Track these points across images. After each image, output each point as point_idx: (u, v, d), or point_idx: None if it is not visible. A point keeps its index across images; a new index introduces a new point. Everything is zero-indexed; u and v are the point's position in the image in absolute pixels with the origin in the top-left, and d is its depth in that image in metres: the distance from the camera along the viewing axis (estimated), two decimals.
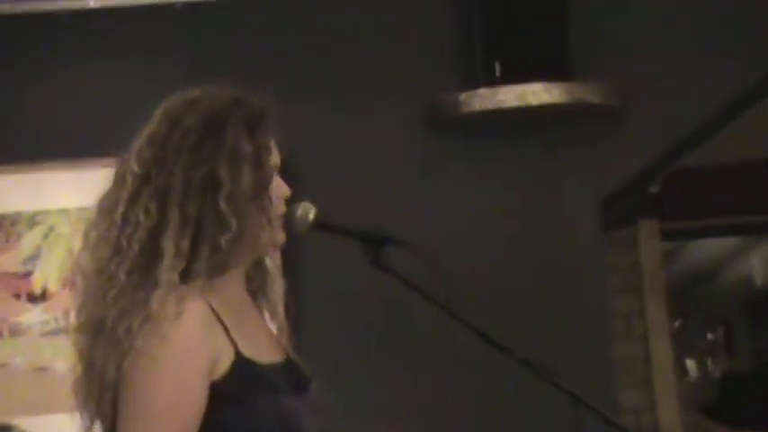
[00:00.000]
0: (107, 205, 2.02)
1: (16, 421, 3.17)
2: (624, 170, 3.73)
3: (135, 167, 2.00)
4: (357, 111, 3.75)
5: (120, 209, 1.98)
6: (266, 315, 2.19)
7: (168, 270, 1.93)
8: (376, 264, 2.14)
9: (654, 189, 4.65)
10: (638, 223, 4.66)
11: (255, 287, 2.16)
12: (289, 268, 3.40)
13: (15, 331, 3.57)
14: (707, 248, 7.16)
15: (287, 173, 3.51)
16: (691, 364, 8.25)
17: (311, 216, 2.15)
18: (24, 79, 3.72)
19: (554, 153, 3.75)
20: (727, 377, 3.76)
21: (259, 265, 2.15)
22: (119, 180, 2.02)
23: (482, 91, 3.57)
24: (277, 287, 2.21)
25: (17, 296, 3.58)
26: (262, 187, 2.03)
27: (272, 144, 2.10)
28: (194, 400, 1.91)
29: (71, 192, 3.54)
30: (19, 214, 3.61)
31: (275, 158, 2.11)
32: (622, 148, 3.75)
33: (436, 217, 3.72)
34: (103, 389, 1.94)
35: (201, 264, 1.96)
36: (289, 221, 2.14)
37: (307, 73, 3.75)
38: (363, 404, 3.41)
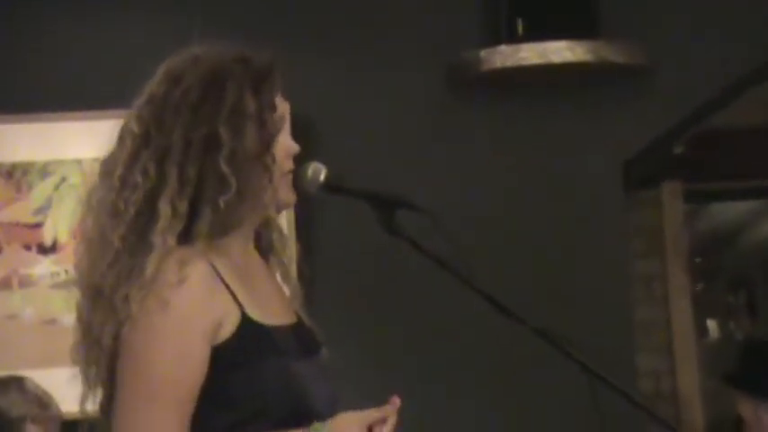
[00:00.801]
0: (107, 168, 1.97)
1: (26, 373, 3.13)
2: (648, 132, 3.66)
3: (134, 128, 1.94)
4: (375, 68, 3.68)
5: (119, 171, 1.93)
6: (278, 276, 2.13)
7: (163, 232, 1.88)
8: (388, 228, 2.08)
9: (678, 150, 4.58)
10: (661, 185, 4.60)
11: (266, 247, 2.10)
12: (300, 229, 3.44)
13: (25, 282, 3.53)
14: (731, 210, 7.08)
15: (301, 131, 3.51)
16: (712, 324, 8.20)
17: (321, 177, 2.08)
18: (41, 26, 3.65)
19: (577, 113, 3.68)
20: (749, 344, 3.69)
21: (269, 225, 2.09)
22: (119, 140, 1.96)
23: (503, 48, 3.48)
24: (289, 247, 2.15)
25: (27, 247, 3.54)
26: (265, 146, 1.97)
27: (279, 101, 2.02)
28: (195, 366, 1.86)
29: (84, 142, 3.48)
30: (31, 164, 3.56)
31: (281, 115, 2.04)
32: (647, 110, 3.67)
33: (455, 177, 3.66)
34: (101, 355, 1.89)
35: (202, 225, 1.91)
36: (298, 182, 2.08)
37: (323, 28, 3.68)
38: (373, 369, 3.37)
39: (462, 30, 3.65)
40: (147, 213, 1.89)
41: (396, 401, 1.92)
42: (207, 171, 1.90)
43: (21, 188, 3.55)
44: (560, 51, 3.44)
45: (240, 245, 2.01)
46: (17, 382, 2.92)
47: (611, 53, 3.47)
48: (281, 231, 2.13)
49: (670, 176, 4.58)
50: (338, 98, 3.65)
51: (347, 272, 3.62)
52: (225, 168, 1.90)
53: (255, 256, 2.08)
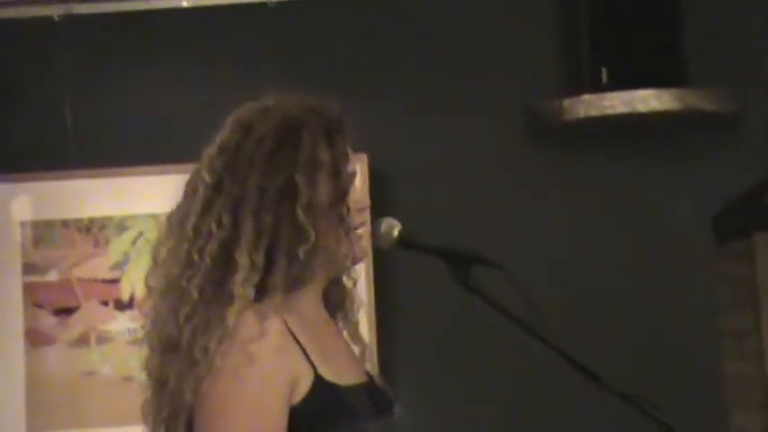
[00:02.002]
0: (177, 219, 1.94)
1: (104, 431, 3.11)
2: (738, 181, 3.52)
3: (206, 177, 1.91)
4: (449, 118, 3.61)
5: (192, 220, 1.90)
6: (346, 335, 2.09)
7: (243, 284, 1.84)
8: (464, 285, 2.03)
9: None
10: (753, 236, 4.45)
11: (334, 305, 2.07)
12: (379, 286, 3.37)
13: (103, 339, 3.52)
14: None
15: (375, 184, 3.47)
16: None
17: (395, 233, 2.05)
18: (113, 82, 3.66)
19: (663, 163, 3.57)
20: None
21: (337, 282, 2.05)
22: (189, 192, 1.94)
23: (587, 97, 3.39)
24: (357, 306, 2.10)
25: (105, 303, 3.53)
26: (340, 197, 1.95)
27: (350, 153, 2.00)
28: (277, 426, 1.81)
29: (160, 196, 3.44)
30: (108, 219, 3.55)
31: (354, 170, 2.02)
32: (736, 159, 3.55)
33: (536, 232, 3.57)
34: (177, 411, 1.84)
35: (278, 277, 1.87)
36: (372, 237, 2.05)
37: (395, 77, 3.62)
38: (449, 428, 3.28)
39: (543, 78, 3.57)
40: (223, 264, 1.86)
41: None
42: (283, 220, 1.88)
43: (98, 243, 3.54)
44: (647, 100, 3.34)
45: (311, 301, 1.97)
46: None
47: (699, 101, 3.36)
48: (347, 288, 2.08)
49: (762, 227, 4.44)
50: (413, 149, 3.60)
51: (425, 328, 3.54)
52: (302, 218, 1.88)
53: (324, 313, 2.04)
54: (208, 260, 1.86)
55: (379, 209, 3.40)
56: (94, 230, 3.54)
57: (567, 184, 3.59)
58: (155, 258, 1.96)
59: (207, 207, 1.89)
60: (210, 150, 1.94)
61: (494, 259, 2.07)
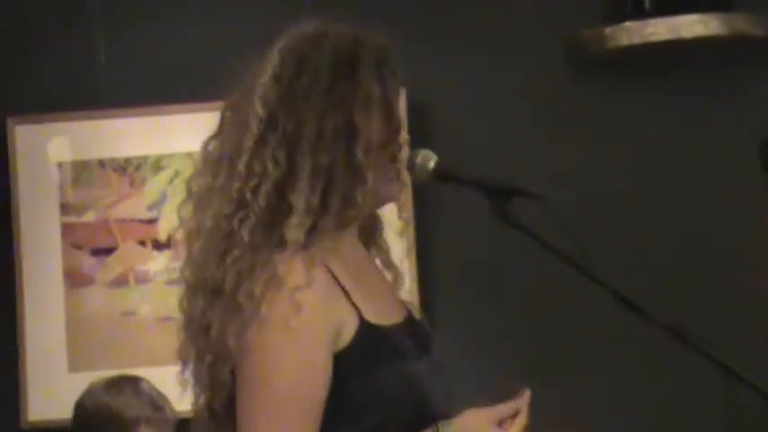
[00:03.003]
0: (224, 153, 1.86)
1: (143, 371, 3.09)
2: None
3: (259, 110, 1.83)
4: (489, 50, 3.52)
5: (245, 157, 1.82)
6: (379, 263, 2.03)
7: (296, 228, 1.78)
8: (503, 218, 1.97)
9: None
10: None
11: (366, 236, 2.00)
12: (418, 219, 3.33)
13: (142, 279, 3.49)
14: None
15: (416, 117, 3.41)
16: None
17: (431, 165, 1.99)
18: (145, 19, 3.60)
19: (711, 92, 3.47)
20: None
21: (371, 214, 1.99)
22: (238, 124, 1.85)
23: (629, 24, 3.29)
24: (387, 235, 2.04)
25: (143, 243, 3.49)
26: (393, 135, 1.88)
27: (399, 85, 1.94)
28: (321, 376, 1.77)
29: (195, 135, 3.40)
30: (144, 158, 3.51)
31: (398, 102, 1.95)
32: None
33: (579, 164, 3.49)
34: (221, 358, 1.79)
35: (330, 220, 1.81)
36: (408, 169, 1.99)
37: (433, 8, 3.53)
38: (489, 363, 3.24)
39: (583, 5, 3.47)
40: (277, 205, 1.80)
41: (526, 394, 1.84)
42: (340, 161, 1.81)
43: (134, 183, 3.51)
44: (692, 26, 3.24)
45: (351, 238, 1.92)
46: (132, 383, 2.88)
47: (747, 25, 3.26)
48: (379, 218, 2.02)
49: None
50: (452, 81, 3.51)
51: (465, 261, 3.49)
52: (361, 159, 1.81)
53: (362, 249, 1.99)
54: (262, 201, 1.80)
55: (418, 144, 3.38)
56: (130, 170, 3.51)
57: (611, 114, 3.51)
58: (191, 192, 1.89)
59: (261, 143, 1.82)
60: (263, 80, 1.85)
61: (533, 189, 1.99)
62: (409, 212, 3.28)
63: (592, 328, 3.39)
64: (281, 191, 1.80)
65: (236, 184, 1.81)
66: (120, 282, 3.49)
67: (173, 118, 3.50)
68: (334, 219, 1.82)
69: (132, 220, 3.51)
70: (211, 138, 1.93)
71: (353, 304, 1.81)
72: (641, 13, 3.30)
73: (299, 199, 1.78)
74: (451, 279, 3.48)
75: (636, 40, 3.29)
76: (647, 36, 3.27)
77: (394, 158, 1.89)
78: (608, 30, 3.32)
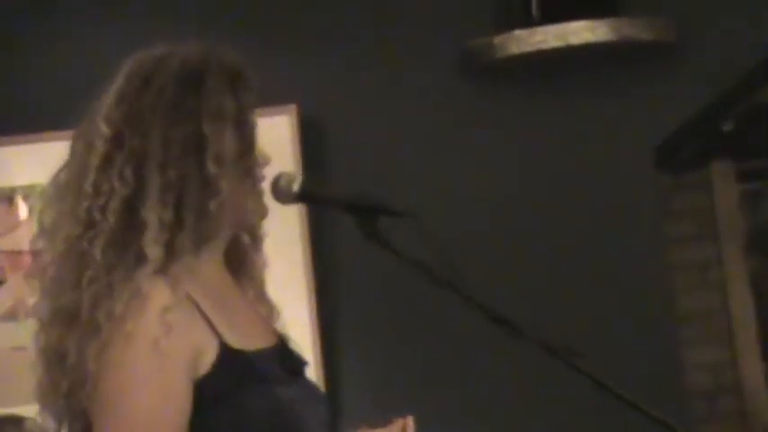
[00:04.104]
0: (72, 177, 1.82)
1: (34, 408, 3.00)
2: (679, 112, 3.42)
3: (104, 129, 1.78)
4: (381, 63, 3.49)
5: (91, 177, 1.77)
6: (251, 295, 1.99)
7: (154, 244, 1.73)
8: (370, 237, 1.93)
9: (727, 127, 4.32)
10: (710, 165, 4.34)
11: (237, 266, 1.95)
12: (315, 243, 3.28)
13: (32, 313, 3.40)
14: None
15: (310, 132, 3.36)
16: None
17: (295, 186, 1.95)
18: (29, 46, 3.53)
19: (602, 96, 3.46)
20: None
21: (237, 241, 1.94)
22: (83, 147, 1.82)
23: (518, 33, 3.26)
24: (260, 264, 2.00)
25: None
26: (247, 149, 1.84)
27: (254, 103, 1.89)
28: (183, 404, 1.72)
29: None
30: (32, 187, 3.41)
31: (255, 120, 1.90)
32: (676, 88, 3.44)
33: (475, 170, 3.47)
34: (76, 384, 1.73)
35: (187, 235, 1.76)
36: (272, 192, 1.95)
37: (324, 23, 3.49)
38: (384, 386, 3.21)
39: (475, 15, 3.44)
40: (128, 222, 1.75)
41: (409, 422, 1.84)
42: (191, 174, 1.77)
43: (23, 213, 3.42)
44: (579, 32, 3.22)
45: (214, 264, 1.87)
46: (16, 424, 2.80)
47: (634, 30, 3.24)
48: (248, 246, 1.97)
49: (719, 156, 4.33)
50: (345, 96, 3.48)
51: (364, 287, 3.44)
52: (212, 170, 1.77)
53: (227, 276, 1.93)
54: (111, 219, 1.75)
55: (312, 159, 3.34)
56: (18, 200, 3.43)
57: (505, 122, 3.49)
58: (41, 223, 1.84)
59: (107, 162, 1.77)
60: (105, 101, 1.82)
61: (400, 208, 1.95)
62: (305, 240, 3.26)
63: (485, 348, 3.34)
64: (132, 208, 1.75)
65: (84, 204, 1.77)
66: (10, 316, 3.42)
67: (61, 145, 3.40)
68: (191, 234, 1.77)
69: (21, 252, 3.42)
70: (61, 168, 1.88)
71: (214, 329, 1.77)
72: (529, 22, 3.27)
73: (152, 214, 1.74)
74: (351, 305, 3.43)
75: (525, 48, 3.26)
76: (536, 44, 3.25)
77: (249, 173, 1.85)
78: (497, 39, 3.29)
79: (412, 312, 3.28)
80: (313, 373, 3.14)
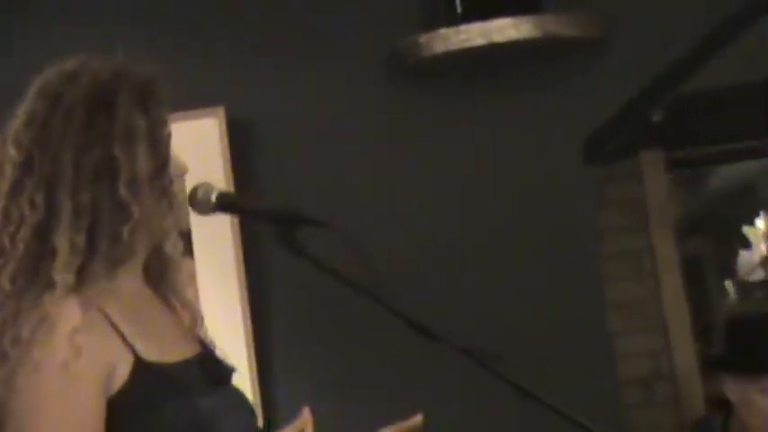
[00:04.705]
0: None
1: None
2: (606, 104, 3.43)
3: (14, 154, 1.76)
4: (308, 62, 3.47)
5: (1, 204, 1.75)
6: (175, 304, 1.97)
7: (63, 270, 1.71)
8: (289, 247, 1.91)
9: (656, 117, 4.36)
10: (639, 155, 4.38)
11: (157, 277, 1.94)
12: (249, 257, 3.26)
13: None
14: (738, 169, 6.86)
15: (239, 135, 3.35)
16: (729, 284, 8.05)
17: (213, 197, 1.93)
18: None
19: (530, 92, 3.47)
20: (731, 322, 3.49)
21: (158, 251, 1.93)
22: None
23: (443, 31, 3.27)
24: (182, 273, 1.99)
25: None
26: (161, 166, 1.82)
27: (167, 117, 1.87)
28: (96, 426, 1.70)
29: None
30: None
31: (170, 133, 1.88)
32: (604, 83, 3.45)
33: (405, 171, 3.47)
34: None
35: (100, 260, 1.74)
36: (190, 203, 1.93)
37: (250, 25, 3.48)
38: (298, 387, 3.21)
39: (400, 14, 3.44)
40: (39, 249, 1.72)
41: (306, 411, 1.85)
42: (103, 198, 1.74)
43: None
44: (503, 29, 3.23)
45: (131, 277, 1.85)
46: None
47: (557, 27, 3.25)
48: (170, 256, 1.96)
49: (648, 146, 4.37)
50: (273, 99, 3.46)
51: (300, 302, 3.42)
52: (125, 195, 1.75)
53: (146, 288, 1.92)
54: (21, 246, 1.73)
55: (241, 162, 3.33)
56: None
57: (433, 121, 3.49)
58: None
59: (17, 188, 1.75)
60: (15, 124, 1.78)
61: (318, 217, 1.95)
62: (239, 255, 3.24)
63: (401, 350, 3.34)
64: (43, 234, 1.73)
65: None
66: None
67: None
68: (104, 260, 1.75)
69: None
70: None
71: (129, 345, 1.75)
72: (454, 20, 3.28)
73: (63, 241, 1.72)
74: (285, 321, 3.42)
75: (451, 46, 3.27)
76: (461, 42, 3.25)
77: (164, 191, 1.82)
78: (423, 38, 3.29)
79: (343, 319, 3.27)
80: (246, 380, 3.16)
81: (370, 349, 3.35)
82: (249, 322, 3.26)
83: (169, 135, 1.87)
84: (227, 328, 3.22)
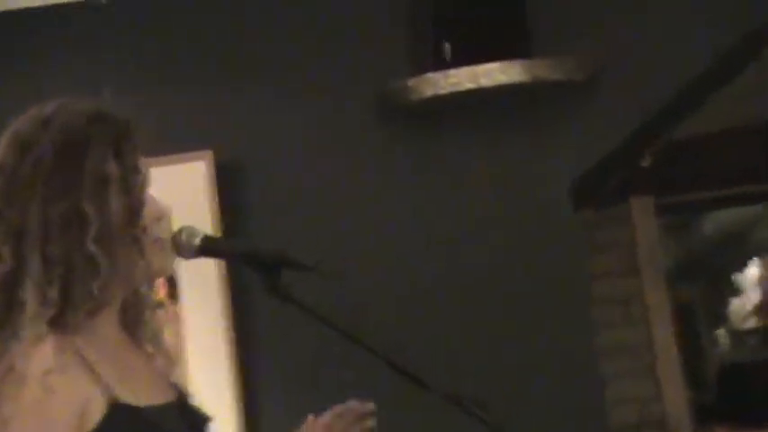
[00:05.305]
0: None
1: None
2: (595, 148, 3.43)
3: None
4: (297, 105, 3.47)
5: None
6: (149, 349, 1.94)
7: (31, 324, 1.67)
8: (273, 292, 1.91)
9: (645, 163, 4.36)
10: (629, 200, 4.37)
11: (133, 322, 1.91)
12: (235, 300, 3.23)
13: None
14: (729, 215, 6.86)
15: (228, 177, 3.33)
16: (721, 332, 8.01)
17: (197, 241, 1.92)
18: None
19: (517, 137, 3.46)
20: (721, 370, 3.47)
21: (135, 296, 1.90)
22: None
23: (431, 75, 3.26)
24: (158, 319, 1.96)
25: None
26: (133, 216, 1.78)
27: (142, 162, 1.83)
28: None
29: None
30: None
31: (146, 178, 1.84)
32: (593, 126, 3.45)
33: (393, 213, 3.45)
34: None
35: (74, 311, 1.71)
36: (174, 247, 1.90)
37: (244, 65, 3.47)
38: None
39: (390, 59, 3.43)
40: (7, 303, 1.69)
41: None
42: (73, 251, 1.70)
43: None
44: (492, 74, 3.22)
45: (108, 321, 1.83)
46: None
47: (545, 71, 3.25)
48: (146, 300, 1.92)
49: (639, 191, 4.36)
50: (262, 142, 3.45)
51: (286, 342, 3.38)
52: (93, 249, 1.71)
53: (122, 332, 1.89)
54: None
55: (229, 205, 3.31)
56: None
57: (422, 165, 3.48)
58: None
59: None
60: None
61: (304, 260, 1.93)
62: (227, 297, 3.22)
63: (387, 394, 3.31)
64: (10, 286, 1.70)
65: None
66: None
67: None
68: (78, 310, 1.72)
69: None
70: None
71: (105, 386, 1.72)
72: (442, 64, 3.27)
73: (31, 294, 1.69)
74: (271, 361, 3.39)
75: (439, 90, 3.26)
76: (450, 86, 3.25)
77: (136, 241, 1.78)
78: (411, 81, 3.28)
79: (330, 363, 3.23)
80: (232, 424, 3.13)
81: (357, 394, 3.30)
82: (235, 365, 3.22)
83: (144, 181, 1.83)
84: (213, 372, 3.19)
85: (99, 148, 1.75)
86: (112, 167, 1.76)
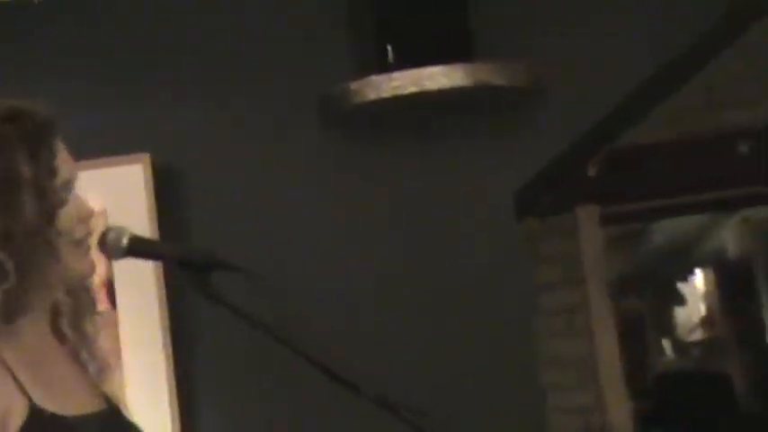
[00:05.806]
0: None
1: None
2: (539, 156, 3.39)
3: None
4: (237, 108, 3.39)
5: None
6: (84, 355, 1.89)
7: None
8: (203, 293, 1.87)
9: (591, 172, 4.36)
10: (574, 210, 4.37)
11: (67, 325, 1.86)
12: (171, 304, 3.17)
13: None
14: (675, 226, 6.90)
15: (166, 183, 3.27)
16: (666, 342, 8.08)
17: (125, 241, 1.87)
18: None
19: (463, 141, 3.40)
20: (664, 378, 3.45)
21: (69, 298, 1.85)
22: None
23: (374, 78, 3.21)
24: (92, 324, 1.91)
25: None
26: (46, 218, 1.73)
27: (63, 161, 1.79)
28: None
29: None
30: None
31: (67, 179, 1.80)
32: (538, 132, 3.40)
33: (334, 219, 3.39)
34: None
35: None
36: (100, 248, 1.86)
37: (179, 67, 3.39)
38: None
39: (333, 61, 3.37)
40: None
41: None
42: None
43: None
44: (435, 77, 3.16)
45: (34, 327, 1.77)
46: None
47: (489, 75, 3.19)
48: (80, 304, 1.88)
49: (583, 200, 4.35)
50: (201, 145, 3.37)
51: (216, 341, 3.31)
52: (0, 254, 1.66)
53: (51, 337, 1.84)
54: None
55: (166, 209, 3.25)
56: None
57: (364, 169, 3.41)
58: None
59: None
60: None
61: (234, 262, 1.89)
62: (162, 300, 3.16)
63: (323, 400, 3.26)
64: None
65: None
66: None
67: None
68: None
69: None
70: None
71: (24, 392, 1.68)
72: (385, 67, 3.22)
73: None
74: (206, 358, 3.31)
75: (382, 93, 3.20)
76: (393, 89, 3.18)
77: (50, 244, 1.73)
78: (354, 84, 3.23)
79: (266, 367, 3.18)
80: (168, 428, 3.08)
81: (293, 399, 3.26)
82: (172, 369, 3.17)
83: (67, 183, 1.79)
84: (149, 377, 3.15)
85: (10, 149, 1.71)
86: (25, 170, 1.71)
